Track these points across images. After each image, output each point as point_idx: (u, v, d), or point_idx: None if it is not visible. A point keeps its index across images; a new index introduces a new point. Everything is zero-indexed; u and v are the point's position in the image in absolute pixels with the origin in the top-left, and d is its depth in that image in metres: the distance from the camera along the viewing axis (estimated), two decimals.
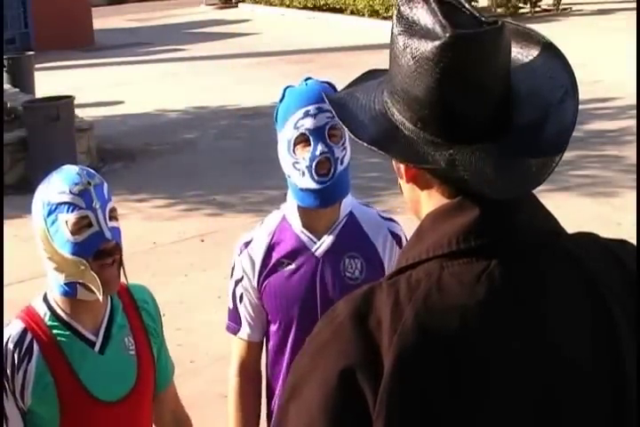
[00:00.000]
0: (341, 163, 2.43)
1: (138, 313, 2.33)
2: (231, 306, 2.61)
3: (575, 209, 7.31)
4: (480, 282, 1.26)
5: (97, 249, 2.14)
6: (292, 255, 2.49)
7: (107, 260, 2.16)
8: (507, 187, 1.28)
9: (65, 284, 2.17)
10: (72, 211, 2.13)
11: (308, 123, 2.41)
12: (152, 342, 2.34)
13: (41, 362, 2.14)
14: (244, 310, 2.57)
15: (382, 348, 1.23)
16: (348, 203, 2.51)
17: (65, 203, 2.13)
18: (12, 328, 2.17)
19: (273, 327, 2.54)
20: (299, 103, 2.44)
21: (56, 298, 2.21)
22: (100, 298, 2.17)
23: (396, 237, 2.51)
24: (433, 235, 1.31)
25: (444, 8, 1.29)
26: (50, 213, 2.14)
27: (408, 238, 2.39)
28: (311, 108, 2.41)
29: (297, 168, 2.45)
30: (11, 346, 2.14)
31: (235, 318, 2.61)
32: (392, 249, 2.48)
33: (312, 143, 2.41)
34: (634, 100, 10.06)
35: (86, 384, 2.18)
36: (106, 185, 2.22)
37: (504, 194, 1.28)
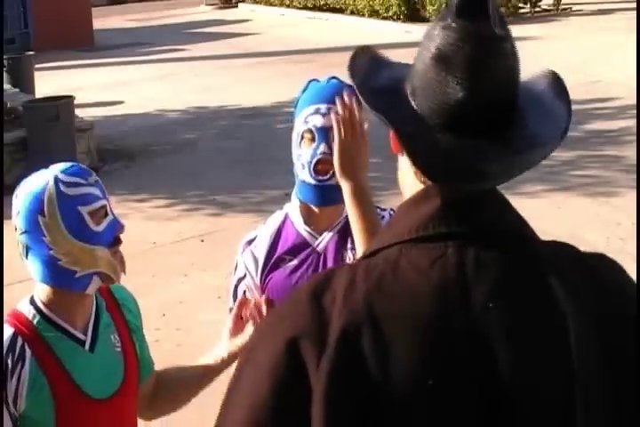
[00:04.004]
0: None
1: (120, 311, 2.35)
2: (231, 304, 2.61)
3: (575, 209, 7.32)
4: (434, 268, 1.31)
5: (115, 237, 2.20)
6: (293, 251, 2.50)
7: (119, 246, 2.22)
8: (473, 181, 1.33)
9: (79, 277, 2.17)
10: (92, 202, 2.17)
11: (317, 120, 2.42)
12: (135, 339, 2.37)
13: (34, 365, 2.14)
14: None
15: (332, 322, 1.30)
16: None
17: (84, 195, 2.16)
18: (2, 333, 2.15)
19: None
20: (313, 99, 2.44)
21: (44, 299, 2.21)
22: (119, 281, 2.24)
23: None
24: (399, 224, 1.38)
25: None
26: (64, 207, 2.15)
27: None
28: (323, 107, 2.41)
29: (300, 160, 2.46)
30: (3, 352, 2.12)
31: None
32: None
33: (316, 141, 2.42)
34: (634, 100, 10.05)
35: (79, 383, 2.19)
36: None
37: (470, 186, 1.34)
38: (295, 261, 2.49)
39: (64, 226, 2.15)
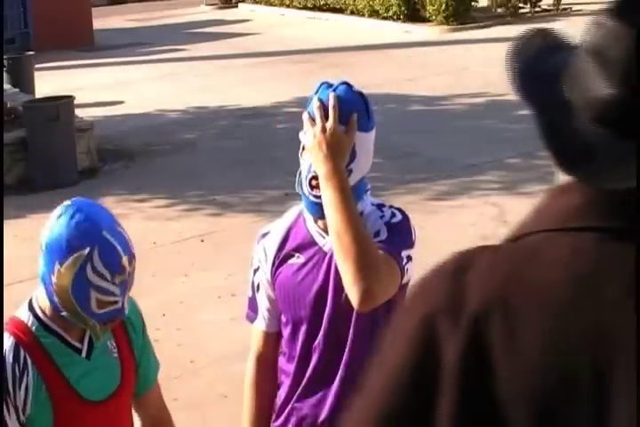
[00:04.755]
0: None
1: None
2: (250, 295, 2.64)
3: None
4: (572, 261, 1.32)
5: (112, 320, 2.23)
6: (301, 249, 2.51)
7: (114, 324, 2.26)
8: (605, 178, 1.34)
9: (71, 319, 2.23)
10: (106, 296, 2.17)
11: None
12: (133, 345, 2.39)
13: (35, 372, 2.18)
14: (261, 300, 2.61)
15: (468, 301, 1.33)
16: (363, 203, 2.51)
17: (103, 288, 2.16)
18: (5, 343, 2.19)
19: (283, 318, 2.58)
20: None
21: (42, 306, 2.23)
22: (97, 342, 2.27)
23: (383, 219, 2.49)
24: (547, 210, 1.39)
25: None
26: (78, 283, 2.15)
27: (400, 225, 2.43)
28: None
29: (300, 171, 2.46)
30: (9, 362, 2.16)
31: (253, 307, 2.64)
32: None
33: None
34: None
35: (76, 388, 2.23)
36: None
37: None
38: (302, 259, 2.51)
39: (71, 290, 2.16)
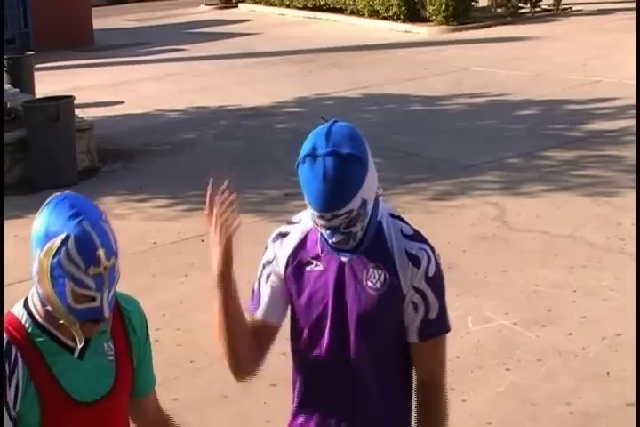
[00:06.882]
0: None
1: (122, 321, 2.34)
2: (256, 287, 2.64)
3: (575, 209, 7.31)
4: None
5: (90, 320, 2.15)
6: (319, 256, 2.50)
7: (95, 325, 2.18)
8: None
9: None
10: (81, 287, 2.10)
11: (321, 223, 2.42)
12: (133, 350, 2.36)
13: (25, 369, 2.17)
14: (267, 291, 2.60)
15: None
16: (380, 212, 2.49)
17: (76, 278, 2.10)
18: (2, 335, 2.17)
19: (297, 325, 2.57)
20: (306, 147, 2.41)
21: (37, 305, 2.21)
22: (80, 346, 2.20)
23: (412, 257, 2.45)
24: None
25: None
26: (57, 271, 2.10)
27: (432, 260, 2.43)
28: (326, 215, 2.38)
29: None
30: (3, 353, 2.15)
31: (256, 298, 2.63)
32: (407, 268, 2.44)
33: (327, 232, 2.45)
34: (634, 100, 10.05)
35: (66, 388, 2.21)
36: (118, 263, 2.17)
37: None
38: (320, 267, 2.49)
39: (49, 277, 2.11)
